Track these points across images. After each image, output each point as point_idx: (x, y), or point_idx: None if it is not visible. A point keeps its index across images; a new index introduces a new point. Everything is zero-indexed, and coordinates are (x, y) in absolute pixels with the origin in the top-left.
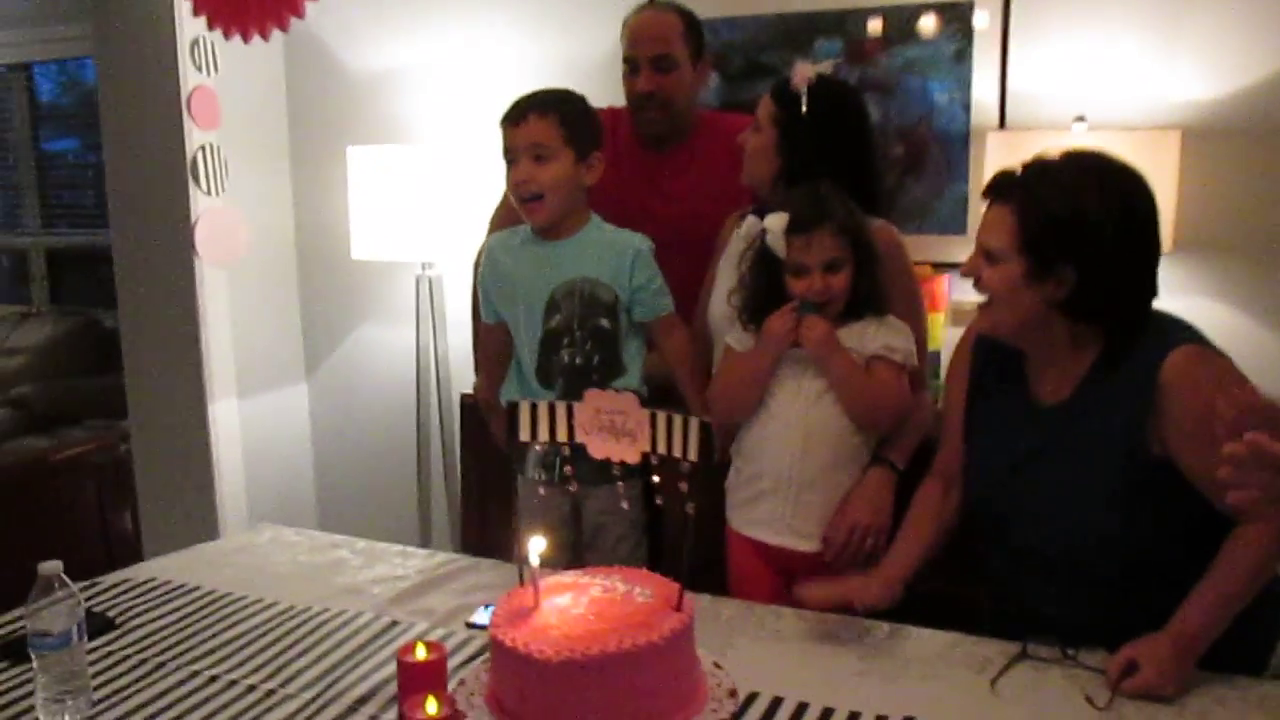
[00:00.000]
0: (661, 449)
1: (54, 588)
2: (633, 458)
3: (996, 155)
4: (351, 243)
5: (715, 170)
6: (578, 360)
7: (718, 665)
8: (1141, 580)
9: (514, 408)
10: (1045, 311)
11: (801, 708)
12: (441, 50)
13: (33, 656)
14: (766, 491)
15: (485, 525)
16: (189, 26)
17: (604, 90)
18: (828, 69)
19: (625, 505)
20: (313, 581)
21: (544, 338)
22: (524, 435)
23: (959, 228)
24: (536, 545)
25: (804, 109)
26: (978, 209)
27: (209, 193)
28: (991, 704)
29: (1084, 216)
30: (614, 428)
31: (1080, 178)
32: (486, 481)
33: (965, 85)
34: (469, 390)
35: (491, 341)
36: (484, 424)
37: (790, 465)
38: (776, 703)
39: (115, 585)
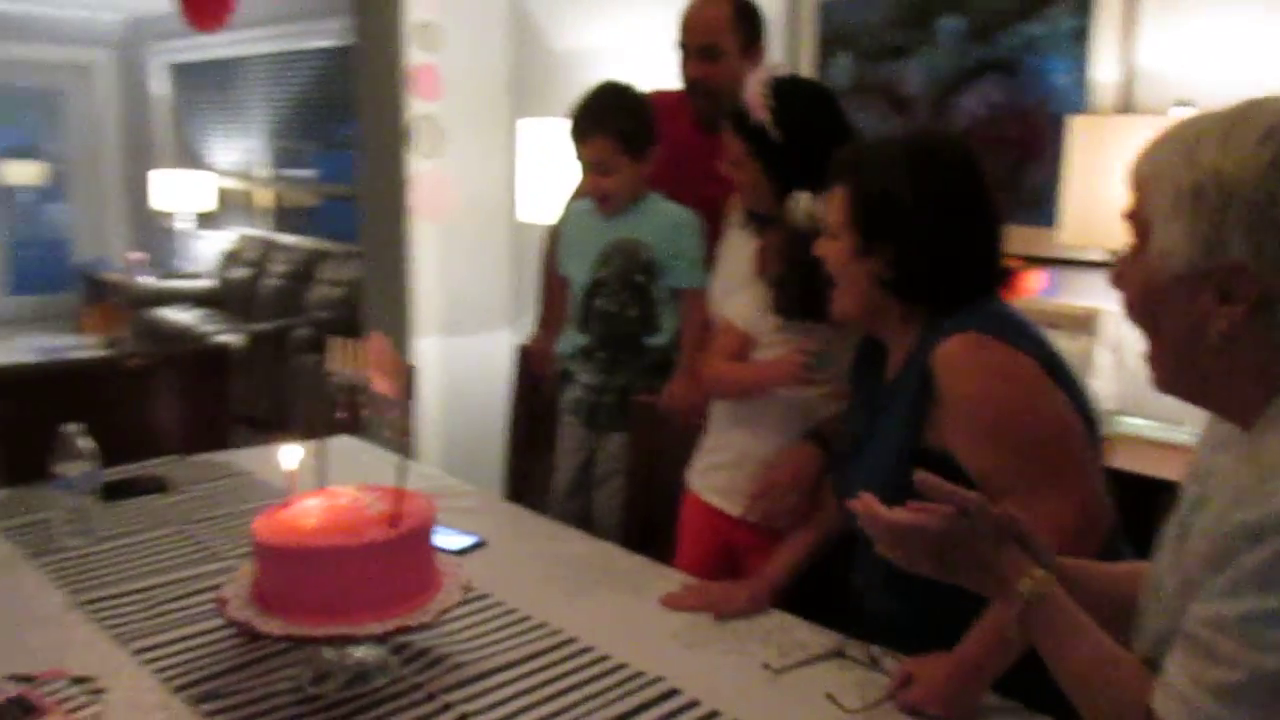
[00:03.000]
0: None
1: (73, 444)
2: (390, 391)
3: (1093, 141)
4: (516, 207)
5: None
6: (612, 308)
7: (466, 587)
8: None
9: (330, 343)
10: (879, 292)
11: (601, 659)
12: (639, 30)
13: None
14: (727, 462)
15: (530, 465)
16: (416, 10)
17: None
18: (777, 73)
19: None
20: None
21: (588, 287)
22: (330, 366)
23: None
24: (293, 454)
25: (773, 130)
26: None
27: (425, 156)
28: (766, 688)
29: (896, 194)
30: (384, 366)
31: (902, 157)
32: (533, 425)
33: (1082, 65)
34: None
35: (556, 294)
36: (534, 371)
37: (755, 443)
38: (582, 651)
39: (193, 462)
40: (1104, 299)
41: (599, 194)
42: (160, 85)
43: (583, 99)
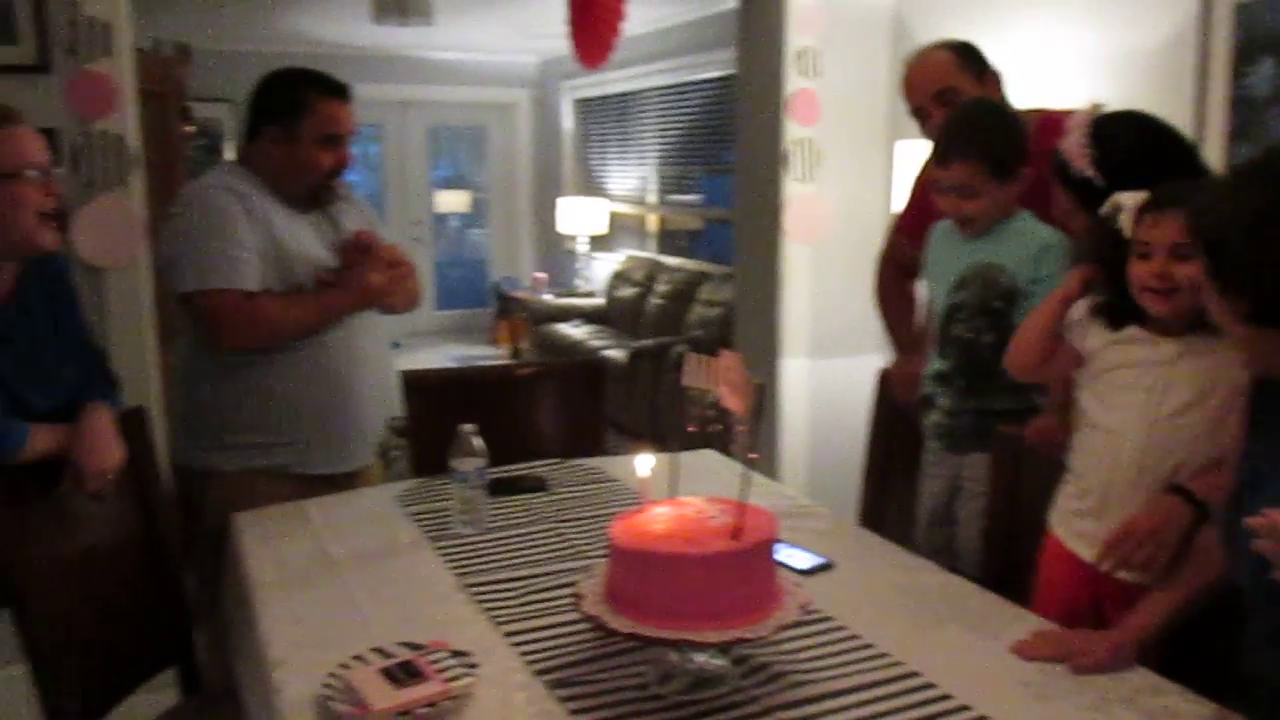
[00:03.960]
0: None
1: (468, 442)
2: (738, 408)
3: None
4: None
5: None
6: (968, 335)
7: (804, 606)
8: None
9: (685, 358)
10: (1253, 330)
11: (942, 698)
12: (1022, 49)
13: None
14: (1094, 507)
15: (887, 491)
16: (795, 39)
17: (1163, 81)
18: (1095, 114)
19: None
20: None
21: (946, 312)
22: (686, 381)
23: None
24: (647, 462)
25: (1096, 178)
26: None
27: (799, 179)
28: None
29: (1234, 241)
30: (732, 383)
31: (1239, 196)
32: (892, 450)
33: None
34: None
35: (904, 315)
36: (894, 396)
37: (1120, 485)
38: (924, 687)
39: (570, 466)
40: None
41: (960, 218)
42: (566, 119)
43: (950, 120)
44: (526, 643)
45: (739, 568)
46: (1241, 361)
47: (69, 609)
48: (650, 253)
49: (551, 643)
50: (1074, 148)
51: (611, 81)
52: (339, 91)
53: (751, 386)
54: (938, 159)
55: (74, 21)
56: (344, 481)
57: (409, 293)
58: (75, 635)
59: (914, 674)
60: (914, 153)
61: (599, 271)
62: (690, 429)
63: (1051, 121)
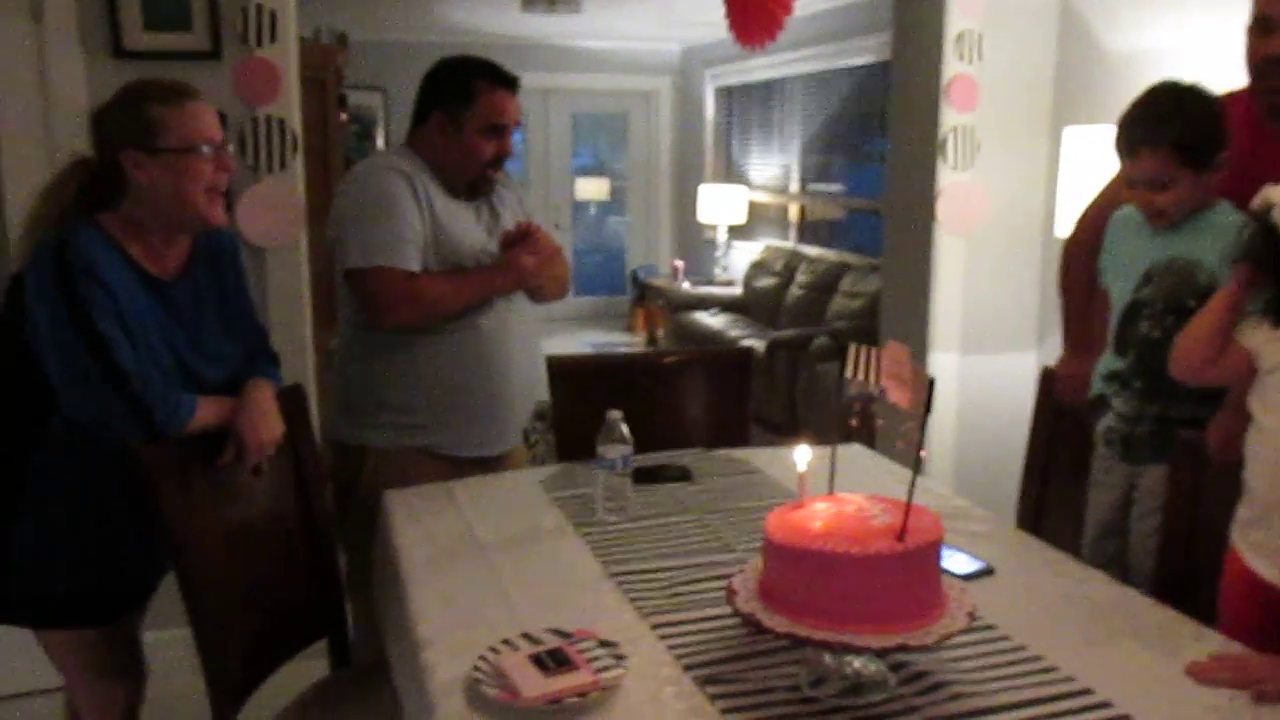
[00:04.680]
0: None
1: (616, 429)
2: (904, 403)
3: None
4: (1055, 221)
5: None
6: (1155, 334)
7: (971, 614)
8: None
9: (847, 348)
10: None
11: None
12: (1205, 28)
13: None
14: (1263, 515)
15: (1050, 496)
16: (955, 23)
17: None
18: None
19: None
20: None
21: (1128, 307)
22: (848, 374)
23: None
24: (805, 456)
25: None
26: None
27: (955, 168)
28: None
29: None
30: (899, 376)
31: None
32: (1056, 453)
33: None
34: None
35: (1084, 312)
36: (1060, 397)
37: (1275, 490)
38: (1098, 706)
39: (715, 456)
40: None
41: (1152, 210)
42: (708, 107)
43: (1135, 104)
44: (674, 635)
45: (903, 570)
46: None
47: (229, 577)
48: (791, 242)
49: (700, 637)
50: None
51: (755, 69)
52: (508, 82)
53: (921, 380)
54: (1123, 148)
55: (245, 10)
56: (492, 464)
57: (559, 280)
58: (235, 603)
59: (1087, 690)
60: (1084, 138)
61: (737, 261)
62: (853, 423)
63: (1238, 101)
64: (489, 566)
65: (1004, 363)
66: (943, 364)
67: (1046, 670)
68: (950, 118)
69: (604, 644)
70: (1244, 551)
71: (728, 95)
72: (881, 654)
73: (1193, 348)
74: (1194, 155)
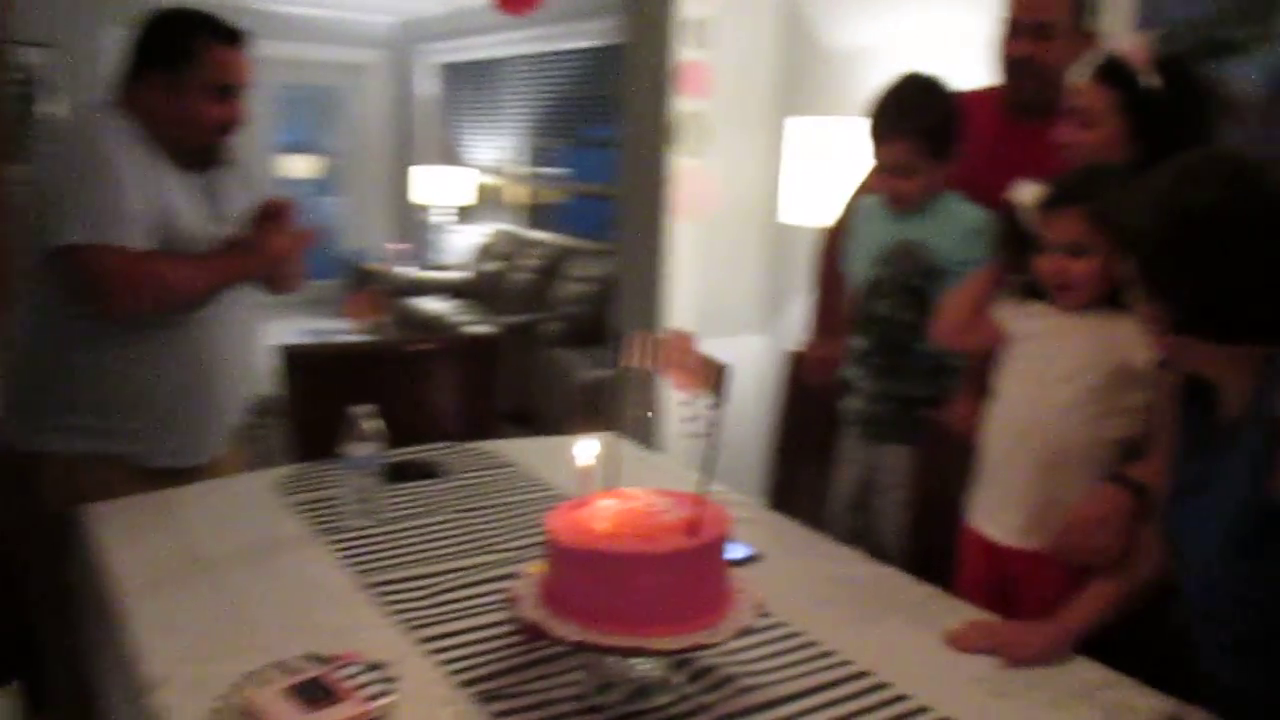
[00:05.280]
0: (706, 387)
1: (365, 424)
2: (692, 391)
3: None
4: (779, 206)
5: None
6: (890, 312)
7: (759, 606)
8: None
9: (622, 338)
10: (1182, 336)
11: (898, 698)
12: (916, 28)
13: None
14: (986, 476)
15: (797, 476)
16: (688, 7)
17: None
18: (1151, 45)
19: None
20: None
21: (867, 287)
22: (624, 362)
23: None
24: (588, 450)
25: (1152, 79)
26: None
27: (688, 155)
28: None
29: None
30: (683, 364)
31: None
32: (802, 434)
33: None
34: None
35: (835, 296)
36: (806, 378)
37: (1004, 450)
38: (879, 687)
39: (464, 449)
40: None
41: (896, 195)
42: (427, 84)
43: (884, 95)
44: (446, 650)
45: (696, 566)
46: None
47: None
48: (518, 226)
49: (474, 649)
50: (1136, 50)
51: (478, 47)
52: (232, 37)
53: (712, 368)
54: (875, 136)
55: None
56: (190, 476)
57: (299, 271)
58: None
59: (866, 673)
60: (806, 130)
61: (462, 244)
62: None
63: (984, 97)
64: (222, 587)
65: (738, 346)
66: None
67: (825, 655)
68: (682, 103)
69: (371, 667)
70: (974, 515)
71: (448, 73)
72: (676, 655)
73: (953, 315)
74: (938, 145)
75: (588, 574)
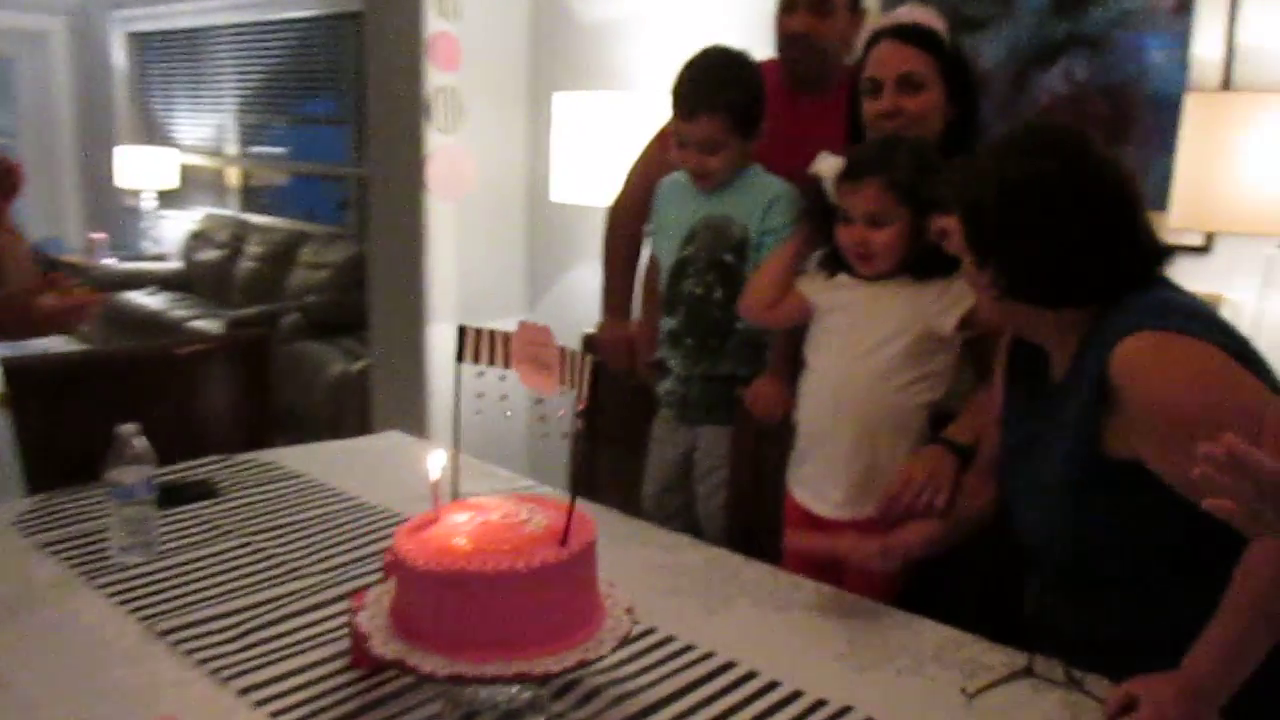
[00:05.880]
0: (565, 383)
1: (132, 445)
2: (550, 390)
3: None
4: (551, 186)
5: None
6: (699, 290)
7: (629, 611)
8: (1132, 593)
9: (461, 332)
10: (1008, 301)
11: (770, 686)
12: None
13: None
14: (805, 449)
15: (594, 462)
16: None
17: None
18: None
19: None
20: (398, 485)
21: (675, 266)
22: (467, 359)
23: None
24: (438, 459)
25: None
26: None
27: (443, 131)
28: (970, 717)
29: (987, 207)
30: (538, 359)
31: (991, 166)
32: (599, 416)
33: (1184, 42)
34: None
35: (651, 277)
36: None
37: (821, 422)
38: (748, 677)
39: (240, 462)
40: (1218, 284)
41: (702, 172)
42: (118, 55)
43: (690, 69)
44: (271, 699)
45: (570, 577)
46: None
47: None
48: (233, 210)
49: (305, 694)
50: (932, 20)
51: (176, 15)
52: None
53: (577, 362)
54: (681, 112)
55: None
56: None
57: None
58: None
59: (732, 664)
60: (572, 105)
61: (171, 232)
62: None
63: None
64: None
65: (503, 328)
66: (443, 335)
67: (685, 650)
68: (435, 78)
69: None
70: (793, 488)
71: (143, 43)
72: (557, 677)
73: (759, 290)
74: (745, 121)
75: (452, 598)
